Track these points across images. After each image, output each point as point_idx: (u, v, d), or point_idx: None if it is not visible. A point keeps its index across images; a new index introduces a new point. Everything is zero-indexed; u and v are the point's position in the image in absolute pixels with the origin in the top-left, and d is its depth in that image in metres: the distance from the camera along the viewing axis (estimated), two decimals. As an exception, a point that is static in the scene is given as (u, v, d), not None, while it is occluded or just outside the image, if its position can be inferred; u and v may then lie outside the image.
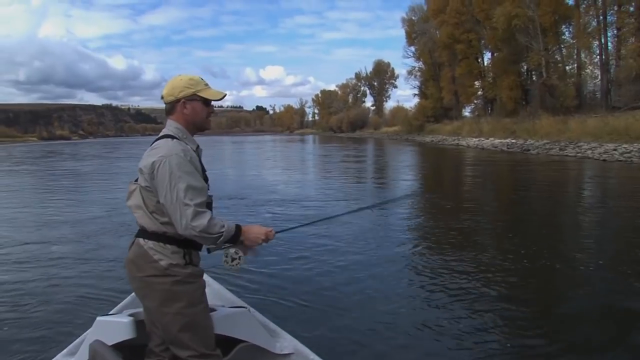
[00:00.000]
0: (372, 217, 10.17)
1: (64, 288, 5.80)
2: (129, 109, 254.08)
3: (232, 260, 2.51)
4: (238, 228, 2.42)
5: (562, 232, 8.93)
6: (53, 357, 2.90)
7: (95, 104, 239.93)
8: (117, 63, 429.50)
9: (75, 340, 3.00)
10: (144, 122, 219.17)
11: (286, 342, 2.98)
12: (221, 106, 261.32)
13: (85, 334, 2.89)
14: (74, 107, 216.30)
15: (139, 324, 2.65)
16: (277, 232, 2.63)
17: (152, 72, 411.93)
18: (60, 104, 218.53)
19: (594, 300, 5.13)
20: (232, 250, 2.49)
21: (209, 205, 2.42)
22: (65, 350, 2.91)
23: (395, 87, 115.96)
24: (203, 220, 2.26)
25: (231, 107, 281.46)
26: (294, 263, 6.62)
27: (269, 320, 3.18)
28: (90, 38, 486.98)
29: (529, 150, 28.59)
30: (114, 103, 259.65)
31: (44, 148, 66.92)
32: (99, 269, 6.54)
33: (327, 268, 6.42)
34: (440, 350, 4.03)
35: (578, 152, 23.98)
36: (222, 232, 2.32)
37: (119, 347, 2.58)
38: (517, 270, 6.13)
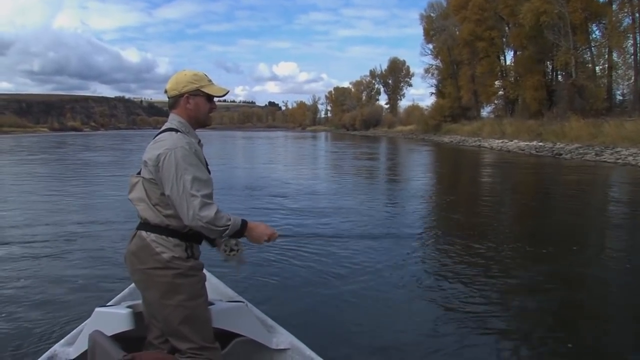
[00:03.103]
0: (382, 213, 10.54)
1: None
2: (141, 101, 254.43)
3: (231, 252, 2.53)
4: (244, 223, 2.44)
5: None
6: (51, 347, 2.88)
7: (108, 96, 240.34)
8: (131, 56, 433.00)
9: (72, 330, 3.02)
10: (156, 115, 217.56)
11: (282, 338, 2.98)
12: (234, 101, 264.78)
13: (83, 324, 2.92)
14: (86, 99, 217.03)
15: (137, 316, 2.65)
16: (280, 236, 2.64)
17: (165, 65, 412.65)
18: (73, 95, 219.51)
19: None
20: (232, 242, 2.51)
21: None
22: (62, 340, 2.92)
23: (410, 85, 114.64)
24: (210, 212, 2.27)
25: (244, 102, 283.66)
26: (295, 257, 6.59)
27: (266, 316, 3.19)
28: (105, 30, 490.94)
29: (561, 154, 26.54)
30: (127, 95, 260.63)
31: (53, 139, 66.83)
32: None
33: (328, 265, 6.34)
34: (442, 350, 4.03)
35: (618, 158, 22.03)
36: (229, 225, 2.34)
37: (117, 338, 2.55)
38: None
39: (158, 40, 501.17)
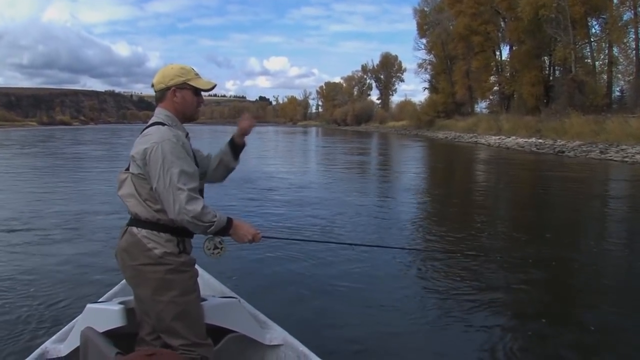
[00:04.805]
0: (374, 207, 10.62)
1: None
2: (131, 95, 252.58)
3: (215, 249, 2.55)
4: (229, 221, 2.42)
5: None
6: (42, 344, 2.81)
7: (98, 90, 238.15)
8: (122, 49, 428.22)
9: (64, 327, 2.98)
10: (146, 109, 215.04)
11: (276, 334, 2.95)
12: (224, 95, 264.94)
13: (74, 320, 2.90)
14: (76, 93, 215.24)
15: (129, 312, 2.64)
16: (264, 237, 2.61)
17: (156, 59, 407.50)
18: (63, 89, 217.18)
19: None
20: (217, 239, 2.53)
21: (200, 191, 2.44)
22: (54, 337, 2.87)
23: (402, 80, 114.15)
24: (197, 206, 2.26)
25: (234, 97, 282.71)
26: (289, 252, 6.50)
27: (259, 312, 3.13)
28: (95, 23, 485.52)
29: (563, 152, 25.60)
30: (117, 89, 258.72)
31: (42, 133, 66.10)
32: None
33: (322, 260, 6.30)
34: (438, 348, 4.00)
35: (625, 157, 21.12)
36: (214, 221, 2.32)
37: (109, 334, 2.50)
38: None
39: (149, 34, 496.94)
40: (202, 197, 2.44)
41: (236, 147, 2.79)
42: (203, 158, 2.74)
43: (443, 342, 4.09)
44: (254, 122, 2.83)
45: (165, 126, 2.39)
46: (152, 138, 2.32)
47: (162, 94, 2.48)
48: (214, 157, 2.81)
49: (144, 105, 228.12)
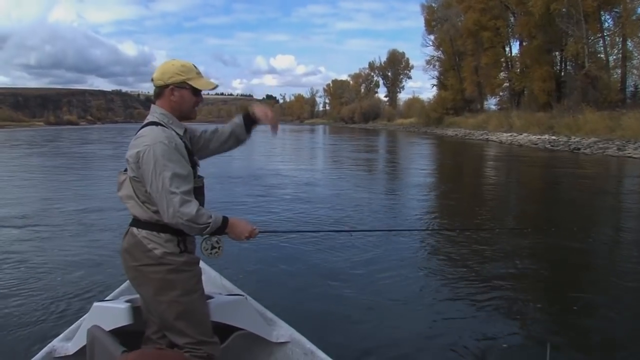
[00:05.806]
0: (380, 205, 10.60)
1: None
2: (138, 95, 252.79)
3: (212, 249, 2.51)
4: (225, 221, 2.39)
5: None
6: (49, 342, 2.83)
7: (105, 89, 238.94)
8: (128, 49, 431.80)
9: (71, 325, 2.98)
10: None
11: (283, 331, 2.95)
12: (231, 94, 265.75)
13: (81, 319, 2.90)
14: (83, 92, 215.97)
15: (136, 310, 2.64)
16: (261, 232, 2.60)
17: (163, 58, 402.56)
18: (70, 88, 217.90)
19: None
20: (214, 239, 2.49)
21: (200, 189, 2.44)
22: (61, 336, 2.90)
23: (410, 77, 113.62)
24: (191, 209, 2.24)
25: (241, 95, 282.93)
26: (295, 250, 6.48)
27: (266, 309, 3.12)
28: (102, 23, 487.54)
29: (579, 149, 24.92)
30: (124, 89, 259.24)
31: (48, 133, 65.96)
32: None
33: (324, 254, 6.31)
34: (441, 342, 3.95)
35: (644, 154, 20.57)
36: (210, 222, 2.30)
37: (115, 333, 2.54)
38: None
39: (155, 34, 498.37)
40: (203, 194, 2.45)
41: (250, 121, 2.69)
42: (198, 137, 2.65)
43: (446, 334, 4.11)
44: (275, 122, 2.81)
45: (159, 126, 2.33)
46: (145, 140, 2.28)
47: (160, 91, 2.42)
48: (223, 128, 2.72)
49: (150, 105, 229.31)
